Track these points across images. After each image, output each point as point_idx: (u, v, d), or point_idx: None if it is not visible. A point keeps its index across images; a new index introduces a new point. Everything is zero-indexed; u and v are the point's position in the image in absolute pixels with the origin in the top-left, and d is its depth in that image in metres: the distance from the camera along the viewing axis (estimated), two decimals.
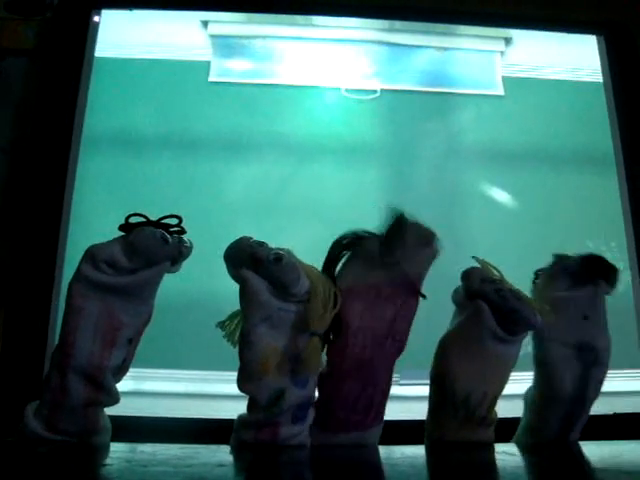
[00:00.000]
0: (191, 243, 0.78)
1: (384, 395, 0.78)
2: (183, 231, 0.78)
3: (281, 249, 0.77)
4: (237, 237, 0.77)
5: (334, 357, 0.77)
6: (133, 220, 0.76)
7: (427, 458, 0.75)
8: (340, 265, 0.80)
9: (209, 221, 1.34)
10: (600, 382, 0.83)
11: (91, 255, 0.75)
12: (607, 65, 1.56)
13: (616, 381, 1.32)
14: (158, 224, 0.76)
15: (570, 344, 0.82)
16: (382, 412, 0.78)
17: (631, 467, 0.72)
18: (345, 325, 0.77)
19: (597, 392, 0.82)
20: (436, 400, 0.81)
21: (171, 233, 0.76)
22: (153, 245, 0.74)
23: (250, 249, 0.75)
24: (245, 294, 0.75)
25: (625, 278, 1.41)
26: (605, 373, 0.83)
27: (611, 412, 1.27)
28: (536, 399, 0.84)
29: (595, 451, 0.82)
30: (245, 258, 0.75)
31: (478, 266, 0.83)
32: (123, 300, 0.75)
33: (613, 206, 1.46)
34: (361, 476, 0.64)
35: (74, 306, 0.74)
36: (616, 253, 1.42)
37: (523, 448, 0.81)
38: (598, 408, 1.24)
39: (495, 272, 0.83)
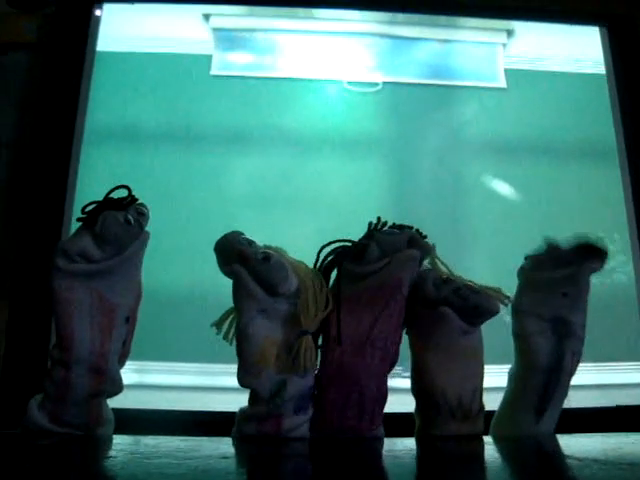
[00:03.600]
0: (146, 208, 0.78)
1: (377, 402, 0.77)
2: (135, 199, 0.78)
3: (270, 248, 0.77)
4: (230, 231, 0.77)
5: (322, 362, 0.78)
6: (88, 209, 0.77)
7: (426, 450, 0.75)
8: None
9: (211, 214, 1.34)
10: (577, 354, 0.84)
11: (63, 250, 0.75)
12: (610, 57, 1.55)
13: (619, 373, 1.33)
14: (112, 203, 0.76)
15: (546, 318, 0.84)
16: (378, 418, 0.77)
17: (633, 459, 0.71)
18: (327, 331, 0.77)
19: (575, 364, 0.84)
20: (429, 410, 0.80)
21: (126, 206, 0.76)
22: (120, 231, 0.75)
23: (238, 246, 0.75)
24: (239, 288, 0.75)
25: (628, 270, 1.41)
26: (581, 346, 0.84)
27: (614, 405, 1.27)
28: (515, 371, 0.85)
29: (597, 443, 0.82)
30: (233, 254, 0.76)
31: (427, 267, 0.82)
32: (110, 282, 0.76)
33: (616, 198, 1.45)
34: (363, 468, 0.64)
35: (63, 300, 0.74)
36: (619, 245, 1.42)
37: (505, 423, 0.83)
38: (601, 400, 1.26)
39: (443, 268, 0.83)
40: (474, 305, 0.79)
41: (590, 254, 0.84)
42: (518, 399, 0.84)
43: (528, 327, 0.84)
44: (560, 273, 0.84)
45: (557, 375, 0.83)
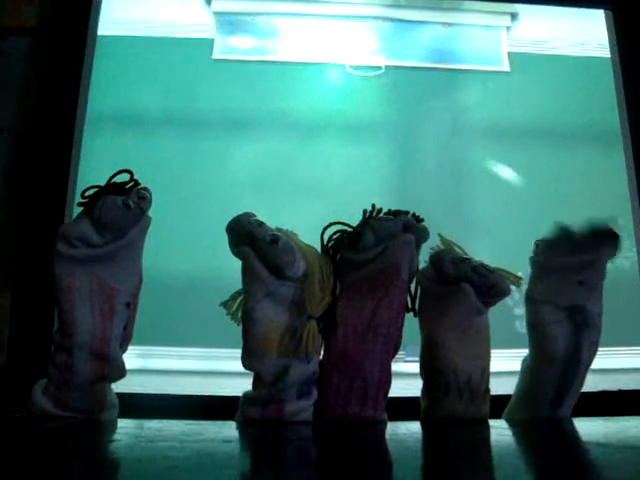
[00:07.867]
0: (149, 191, 0.77)
1: (380, 388, 0.77)
2: (137, 183, 0.77)
3: (280, 230, 0.77)
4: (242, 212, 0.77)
5: (325, 349, 0.78)
6: (88, 193, 0.76)
7: (430, 434, 0.75)
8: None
9: (214, 199, 1.34)
10: (594, 344, 0.82)
11: (63, 235, 0.75)
12: (615, 40, 1.54)
13: (621, 358, 1.33)
14: (113, 187, 0.76)
15: (562, 307, 0.82)
16: (381, 403, 0.77)
17: (636, 442, 0.72)
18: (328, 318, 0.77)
19: (592, 355, 0.82)
20: (436, 391, 0.80)
21: (128, 191, 0.76)
22: (118, 215, 0.74)
23: (248, 227, 0.75)
24: (247, 271, 0.75)
25: (631, 255, 1.41)
26: (599, 336, 0.82)
27: (616, 389, 1.27)
28: (531, 362, 0.84)
29: (600, 427, 0.82)
30: (243, 235, 0.76)
31: (441, 247, 0.83)
32: (110, 267, 0.75)
33: (620, 183, 1.45)
34: (367, 452, 0.64)
35: (64, 285, 0.74)
36: (622, 230, 1.42)
37: (518, 415, 0.82)
38: (603, 385, 1.26)
39: (457, 249, 0.83)
40: (491, 284, 0.79)
41: (606, 240, 0.83)
42: (533, 391, 0.83)
43: (544, 317, 0.82)
44: (576, 260, 0.82)
45: (575, 366, 0.81)
